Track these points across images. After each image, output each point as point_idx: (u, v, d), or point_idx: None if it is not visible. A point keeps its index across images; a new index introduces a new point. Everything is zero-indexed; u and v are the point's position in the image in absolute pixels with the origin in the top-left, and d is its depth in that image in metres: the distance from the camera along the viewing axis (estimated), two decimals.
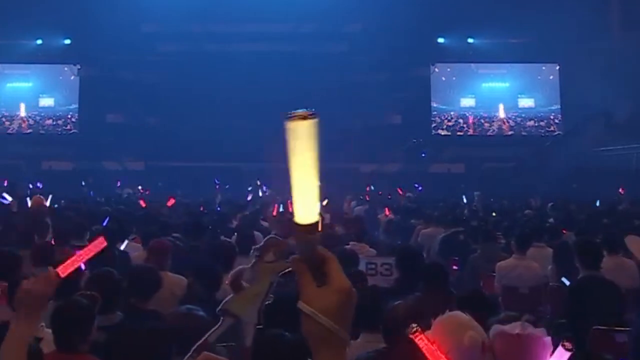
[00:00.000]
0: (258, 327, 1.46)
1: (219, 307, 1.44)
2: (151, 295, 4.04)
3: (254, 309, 1.41)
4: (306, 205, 1.08)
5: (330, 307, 1.08)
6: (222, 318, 1.45)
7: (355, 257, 5.46)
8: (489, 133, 25.48)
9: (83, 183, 20.07)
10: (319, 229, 1.10)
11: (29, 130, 25.76)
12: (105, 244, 2.20)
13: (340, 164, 22.74)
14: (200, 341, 1.47)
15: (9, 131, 25.58)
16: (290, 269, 1.22)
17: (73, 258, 2.12)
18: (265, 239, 1.39)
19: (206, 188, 19.92)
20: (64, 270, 2.02)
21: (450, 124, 25.64)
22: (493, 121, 25.61)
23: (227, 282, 1.45)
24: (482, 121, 25.60)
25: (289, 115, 1.06)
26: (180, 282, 4.96)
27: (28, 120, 25.79)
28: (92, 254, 2.15)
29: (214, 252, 5.07)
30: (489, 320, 2.95)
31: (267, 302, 1.49)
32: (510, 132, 25.51)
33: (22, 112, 25.80)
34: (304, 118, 1.06)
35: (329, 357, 1.08)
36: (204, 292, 4.01)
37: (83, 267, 4.44)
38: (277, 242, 1.38)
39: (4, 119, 25.82)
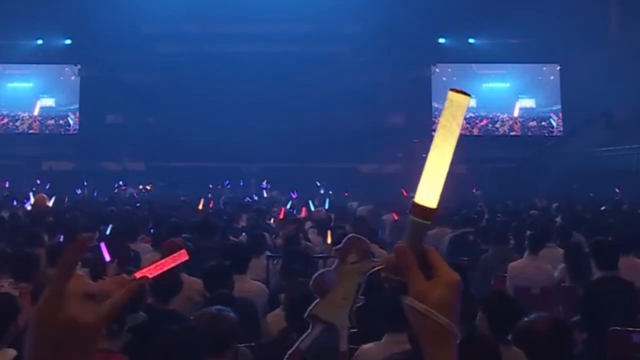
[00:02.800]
0: (352, 330, 1.42)
1: (307, 312, 1.39)
2: (172, 297, 4.03)
3: (344, 312, 1.36)
4: (432, 186, 1.01)
5: (444, 302, 1.02)
6: (311, 324, 1.40)
7: (374, 257, 5.42)
8: (496, 133, 25.54)
9: (85, 183, 20.03)
10: (433, 217, 1.02)
11: (34, 131, 25.84)
12: (186, 257, 1.99)
13: (341, 164, 22.77)
14: (292, 349, 1.43)
15: (18, 131, 25.65)
16: (377, 267, 1.15)
17: (154, 267, 1.89)
18: (346, 238, 1.34)
19: (207, 188, 19.91)
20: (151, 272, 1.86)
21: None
22: (496, 121, 25.68)
23: (310, 285, 1.40)
24: (488, 123, 25.66)
25: (452, 88, 1.00)
26: (196, 284, 4.95)
27: (37, 121, 25.85)
28: (172, 265, 1.92)
29: (229, 253, 5.05)
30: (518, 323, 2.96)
31: (358, 305, 1.43)
32: (519, 132, 25.61)
33: (36, 111, 25.83)
34: (465, 94, 1.00)
35: (442, 354, 1.03)
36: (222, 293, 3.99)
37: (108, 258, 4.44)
38: (358, 241, 1.33)
39: (8, 119, 25.83)
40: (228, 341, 2.69)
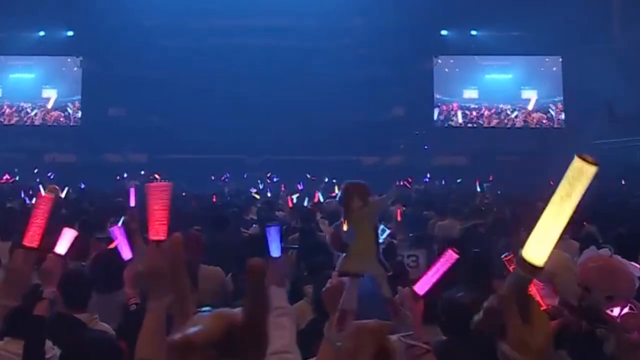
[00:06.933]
0: (389, 275, 1.43)
1: (337, 269, 1.40)
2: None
3: (373, 260, 1.37)
4: (543, 246, 1.03)
5: (543, 352, 1.05)
6: (348, 280, 1.41)
7: (393, 248, 5.41)
8: (506, 125, 25.60)
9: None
10: (537, 274, 1.05)
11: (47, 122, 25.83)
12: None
13: (342, 157, 22.74)
14: (338, 313, 1.43)
15: (35, 123, 25.65)
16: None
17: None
18: (342, 186, 1.34)
19: (210, 180, 19.91)
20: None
21: (460, 115, 25.70)
22: (500, 112, 25.71)
23: (329, 243, 1.42)
24: (493, 114, 25.66)
25: (580, 155, 1.02)
26: (215, 274, 4.97)
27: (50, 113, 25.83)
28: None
29: (251, 245, 5.06)
30: None
31: (383, 247, 1.44)
32: (535, 125, 25.65)
33: (50, 104, 25.81)
34: (593, 164, 1.01)
35: None
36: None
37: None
38: (355, 185, 1.33)
39: (14, 110, 25.81)
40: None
